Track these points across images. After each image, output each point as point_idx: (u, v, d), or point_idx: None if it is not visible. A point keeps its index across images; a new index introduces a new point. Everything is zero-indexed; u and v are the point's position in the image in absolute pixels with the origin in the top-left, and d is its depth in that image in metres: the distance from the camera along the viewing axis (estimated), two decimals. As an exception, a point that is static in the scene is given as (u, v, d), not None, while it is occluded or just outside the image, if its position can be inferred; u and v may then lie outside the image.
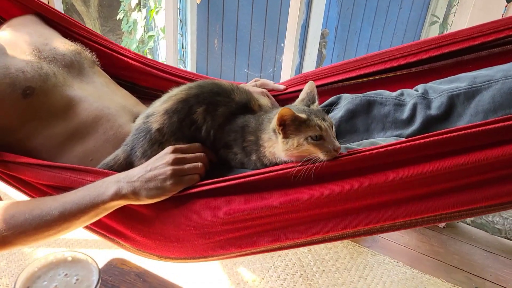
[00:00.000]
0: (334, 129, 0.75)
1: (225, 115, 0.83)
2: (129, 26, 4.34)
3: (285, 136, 0.73)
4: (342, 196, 0.71)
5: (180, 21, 3.58)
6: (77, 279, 0.64)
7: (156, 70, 1.13)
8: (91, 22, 4.97)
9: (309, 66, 3.46)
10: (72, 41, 1.05)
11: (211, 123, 0.83)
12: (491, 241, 1.76)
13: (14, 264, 1.62)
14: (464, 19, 1.43)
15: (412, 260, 1.68)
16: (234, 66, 3.18)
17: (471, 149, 0.67)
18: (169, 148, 0.79)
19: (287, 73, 1.86)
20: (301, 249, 1.70)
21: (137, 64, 1.12)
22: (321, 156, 0.71)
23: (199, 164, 0.79)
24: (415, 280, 1.59)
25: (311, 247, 1.71)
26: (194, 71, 2.61)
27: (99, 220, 0.81)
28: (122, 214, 0.81)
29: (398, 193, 0.71)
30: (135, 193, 0.75)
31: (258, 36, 3.18)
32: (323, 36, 4.55)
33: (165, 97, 0.87)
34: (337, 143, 0.71)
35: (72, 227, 0.79)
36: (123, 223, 0.83)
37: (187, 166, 0.77)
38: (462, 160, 0.67)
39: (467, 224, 1.85)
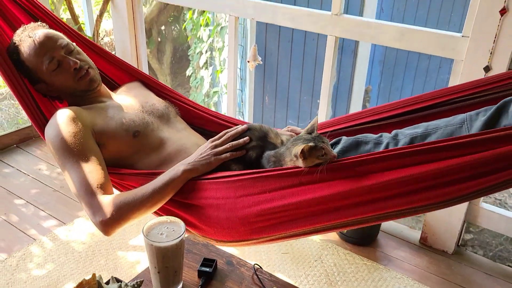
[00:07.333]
0: (329, 142, 1.18)
1: (259, 146, 1.33)
2: (197, 82, 5.07)
3: (304, 159, 1.18)
4: (334, 197, 1.15)
5: (241, 79, 4.26)
6: (173, 230, 1.07)
7: (219, 119, 1.67)
8: (164, 78, 5.75)
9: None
10: (162, 98, 1.61)
11: (254, 149, 1.33)
12: (493, 267, 2.05)
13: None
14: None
15: (421, 277, 2.01)
16: (285, 118, 3.79)
17: (414, 164, 1.09)
18: (209, 142, 1.31)
19: (321, 123, 2.35)
20: (327, 262, 2.10)
21: (206, 115, 1.65)
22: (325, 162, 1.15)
23: (228, 146, 1.29)
24: (421, 292, 1.92)
25: (336, 262, 2.10)
26: (251, 121, 3.19)
27: (180, 216, 1.21)
28: (195, 212, 1.27)
29: (372, 194, 1.13)
30: (194, 167, 1.22)
31: (302, 94, 3.80)
32: (366, 92, 5.02)
33: None
34: (333, 153, 1.15)
35: (161, 198, 1.21)
36: (194, 216, 1.29)
37: (221, 148, 1.28)
38: (405, 173, 1.10)
39: (476, 253, 2.15)
